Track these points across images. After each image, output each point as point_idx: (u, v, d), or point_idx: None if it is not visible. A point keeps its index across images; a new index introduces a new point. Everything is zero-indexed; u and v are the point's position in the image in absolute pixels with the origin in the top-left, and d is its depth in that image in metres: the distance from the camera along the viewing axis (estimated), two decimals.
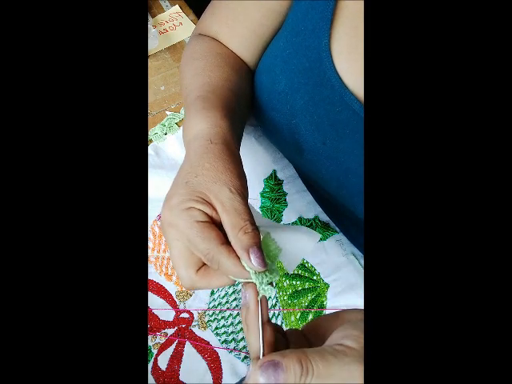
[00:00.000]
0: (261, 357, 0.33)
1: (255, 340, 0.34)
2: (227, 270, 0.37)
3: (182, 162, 0.44)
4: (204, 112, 0.46)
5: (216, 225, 0.39)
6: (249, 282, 0.36)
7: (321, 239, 0.61)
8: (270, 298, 0.58)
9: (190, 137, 0.45)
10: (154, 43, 0.80)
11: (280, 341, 0.36)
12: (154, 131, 0.70)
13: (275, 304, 0.58)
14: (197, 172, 0.40)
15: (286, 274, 0.59)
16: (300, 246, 0.43)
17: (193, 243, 0.38)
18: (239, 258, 0.37)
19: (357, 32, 0.45)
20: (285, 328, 0.56)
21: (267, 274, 0.37)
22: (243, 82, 0.56)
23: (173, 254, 0.40)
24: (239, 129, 0.50)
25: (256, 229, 0.38)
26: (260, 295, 0.36)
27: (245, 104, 0.55)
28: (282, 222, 0.62)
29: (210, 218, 0.39)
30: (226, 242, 0.38)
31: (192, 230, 0.38)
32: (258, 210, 0.43)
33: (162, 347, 0.56)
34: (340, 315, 0.37)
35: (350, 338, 0.32)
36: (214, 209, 0.39)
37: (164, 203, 0.41)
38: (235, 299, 0.58)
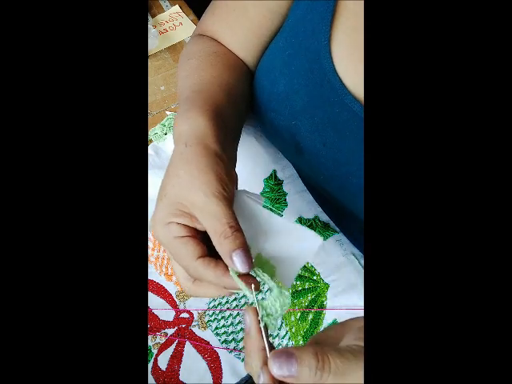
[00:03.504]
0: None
1: (256, 366, 0.32)
2: (212, 281, 0.37)
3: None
4: (185, 113, 0.44)
5: (201, 235, 0.39)
6: (251, 305, 0.35)
7: None
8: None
9: (174, 141, 0.44)
10: (154, 43, 0.80)
11: None
12: (154, 131, 0.70)
13: None
14: (173, 182, 0.39)
15: None
16: (298, 254, 0.41)
17: (175, 259, 0.39)
18: (218, 268, 0.37)
19: (357, 33, 0.45)
20: (284, 327, 0.56)
21: (278, 297, 0.35)
22: (239, 80, 0.54)
23: (173, 265, 0.42)
24: (232, 124, 0.48)
25: (238, 230, 0.37)
26: (262, 323, 0.34)
27: (241, 101, 0.53)
28: None
29: (194, 229, 0.38)
30: (204, 254, 0.38)
31: (171, 248, 0.38)
32: (260, 201, 0.41)
33: (162, 347, 0.56)
34: (347, 323, 0.36)
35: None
36: (196, 218, 0.38)
37: (151, 217, 0.41)
38: (235, 299, 0.58)
